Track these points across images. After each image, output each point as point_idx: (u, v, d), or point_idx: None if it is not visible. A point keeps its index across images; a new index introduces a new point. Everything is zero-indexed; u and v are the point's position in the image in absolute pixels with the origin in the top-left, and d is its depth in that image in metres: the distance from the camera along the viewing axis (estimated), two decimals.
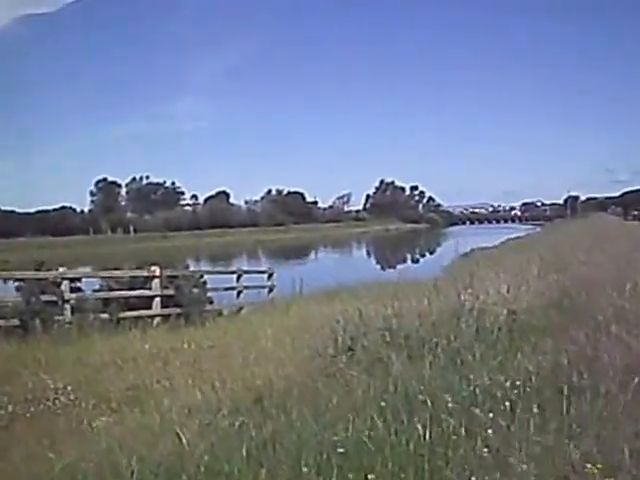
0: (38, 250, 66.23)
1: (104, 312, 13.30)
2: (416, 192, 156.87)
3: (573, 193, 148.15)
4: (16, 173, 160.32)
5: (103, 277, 14.87)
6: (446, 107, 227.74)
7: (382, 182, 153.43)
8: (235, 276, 18.21)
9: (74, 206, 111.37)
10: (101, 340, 11.88)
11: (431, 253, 66.61)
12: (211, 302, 16.38)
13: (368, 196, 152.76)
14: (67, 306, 12.91)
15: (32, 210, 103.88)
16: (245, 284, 18.20)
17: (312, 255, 71.70)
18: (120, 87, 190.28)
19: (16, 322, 12.23)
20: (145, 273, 14.47)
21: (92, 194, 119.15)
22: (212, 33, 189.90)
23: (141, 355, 10.35)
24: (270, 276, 19.60)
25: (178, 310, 14.67)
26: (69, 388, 8.20)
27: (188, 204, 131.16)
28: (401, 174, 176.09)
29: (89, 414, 7.10)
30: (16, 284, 12.64)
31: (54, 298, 12.68)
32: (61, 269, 13.09)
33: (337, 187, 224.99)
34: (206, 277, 16.59)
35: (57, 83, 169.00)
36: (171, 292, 14.71)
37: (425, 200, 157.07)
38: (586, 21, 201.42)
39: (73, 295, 13.12)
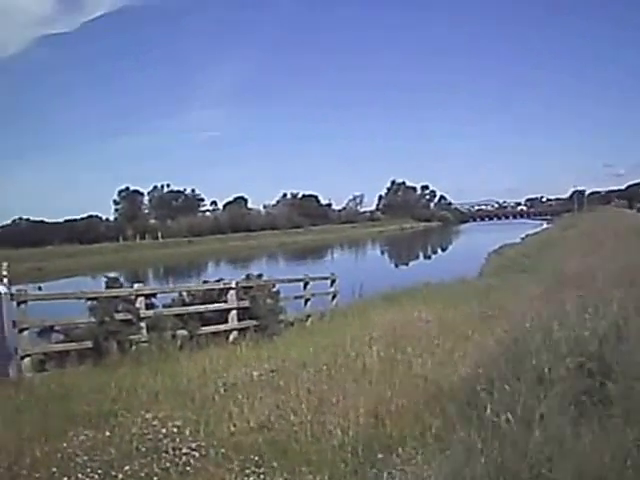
0: (68, 258, 65.16)
1: (182, 328, 11.68)
2: (427, 191, 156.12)
3: (579, 188, 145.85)
4: (42, 186, 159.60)
5: (180, 290, 13.22)
6: (448, 107, 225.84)
7: (393, 183, 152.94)
8: (302, 284, 16.51)
9: (100, 214, 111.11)
10: (188, 360, 10.29)
11: (455, 250, 64.67)
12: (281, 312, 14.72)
13: (380, 197, 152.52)
14: (143, 324, 11.27)
15: (60, 220, 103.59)
16: (312, 292, 16.55)
17: (339, 255, 69.94)
18: (136, 100, 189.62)
19: (89, 344, 10.63)
20: (221, 285, 12.86)
21: (116, 203, 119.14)
22: (221, 44, 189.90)
23: (244, 379, 8.71)
24: (333, 282, 17.91)
25: (254, 322, 13.05)
26: (185, 430, 6.55)
27: (208, 210, 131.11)
28: (406, 174, 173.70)
29: (231, 474, 5.45)
30: (88, 304, 10.98)
31: (129, 316, 11.04)
32: (136, 285, 11.49)
33: (349, 189, 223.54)
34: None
35: (77, 98, 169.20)
36: (246, 304, 13.08)
37: (436, 199, 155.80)
38: (588, 15, 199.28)
39: (149, 312, 11.48)
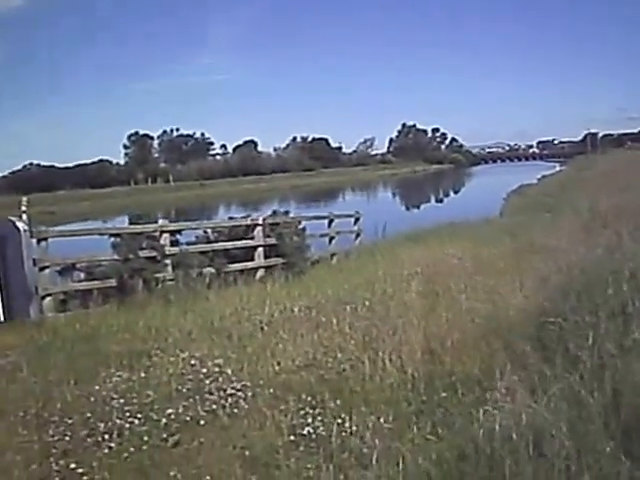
0: (81, 202, 64.71)
1: (209, 266, 11.16)
2: (438, 134, 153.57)
3: (592, 130, 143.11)
4: (52, 131, 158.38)
5: (205, 227, 12.63)
6: (460, 49, 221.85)
7: (404, 126, 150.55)
8: (327, 221, 15.89)
9: (110, 159, 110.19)
10: (217, 298, 9.79)
11: (470, 191, 63.74)
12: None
13: (391, 140, 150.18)
14: (168, 261, 10.74)
15: (71, 164, 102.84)
16: (337, 230, 15.95)
17: (353, 197, 69.06)
18: (145, 44, 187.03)
19: (113, 282, 10.12)
20: (247, 222, 12.29)
21: (125, 147, 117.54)
22: None
23: (281, 316, 8.20)
24: (357, 220, 17.27)
25: (281, 260, 12.52)
26: (226, 369, 6.05)
27: (218, 153, 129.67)
28: (418, 117, 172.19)
29: (285, 416, 4.95)
30: (111, 240, 10.43)
31: (154, 254, 10.50)
32: (160, 221, 10.90)
33: (360, 132, 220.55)
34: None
35: (82, 46, 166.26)
36: (273, 241, 12.52)
37: (447, 141, 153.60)
38: None
39: (174, 249, 10.93)
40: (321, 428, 4.64)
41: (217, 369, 6.06)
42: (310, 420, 4.79)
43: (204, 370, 6.02)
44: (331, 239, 15.53)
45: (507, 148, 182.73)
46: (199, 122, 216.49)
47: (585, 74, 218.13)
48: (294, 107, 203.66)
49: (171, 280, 10.54)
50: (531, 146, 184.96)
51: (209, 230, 12.54)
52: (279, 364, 6.24)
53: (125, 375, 6.08)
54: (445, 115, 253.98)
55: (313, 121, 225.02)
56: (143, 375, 6.07)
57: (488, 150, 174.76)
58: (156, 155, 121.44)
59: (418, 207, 49.65)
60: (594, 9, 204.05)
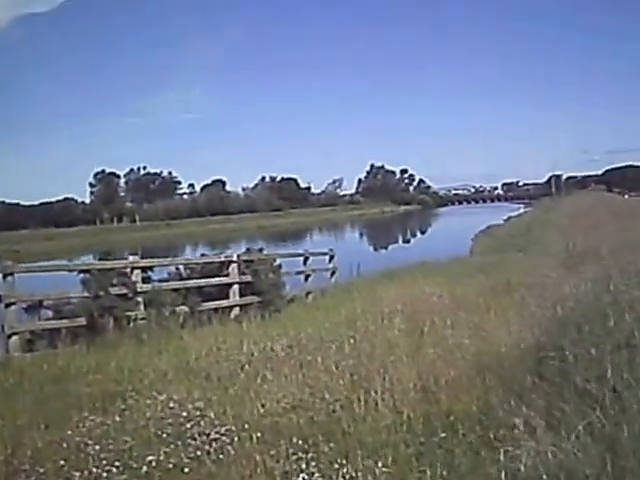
0: (46, 241, 63.51)
1: (182, 304, 10.76)
2: (406, 175, 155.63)
3: (557, 172, 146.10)
4: (18, 167, 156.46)
5: (178, 264, 12.21)
6: (426, 92, 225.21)
7: (372, 166, 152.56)
8: (302, 259, 15.59)
9: (75, 197, 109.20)
10: (192, 338, 9.37)
11: (439, 232, 64.11)
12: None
13: (360, 180, 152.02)
14: (140, 299, 10.32)
15: (36, 203, 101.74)
16: (313, 267, 15.65)
17: (322, 238, 68.92)
18: (113, 81, 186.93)
19: (82, 321, 9.65)
20: (221, 258, 11.93)
21: (91, 185, 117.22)
22: (197, 26, 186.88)
23: (261, 356, 7.83)
24: (331, 258, 17.01)
25: (257, 298, 12.17)
26: (208, 412, 5.65)
27: (185, 193, 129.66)
28: (387, 158, 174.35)
29: (277, 461, 4.57)
30: (80, 277, 9.99)
31: (125, 291, 10.08)
32: (131, 257, 10.48)
33: (328, 173, 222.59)
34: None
35: (53, 80, 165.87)
36: (249, 278, 12.17)
37: (415, 182, 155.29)
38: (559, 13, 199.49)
39: (146, 286, 10.52)
40: (317, 474, 4.29)
41: (198, 412, 5.67)
42: (304, 466, 4.42)
43: (184, 413, 5.62)
44: (307, 277, 15.23)
45: (473, 190, 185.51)
46: (167, 161, 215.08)
47: (549, 118, 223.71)
48: (263, 147, 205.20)
49: (143, 319, 10.13)
50: (496, 188, 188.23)
51: (181, 267, 12.13)
52: (264, 406, 5.86)
53: (99, 419, 5.64)
54: (413, 156, 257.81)
55: (282, 161, 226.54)
56: (118, 419, 5.65)
57: (454, 192, 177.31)
58: (122, 194, 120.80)
59: (386, 248, 49.68)
60: (556, 54, 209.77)
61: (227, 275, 11.86)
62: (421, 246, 43.80)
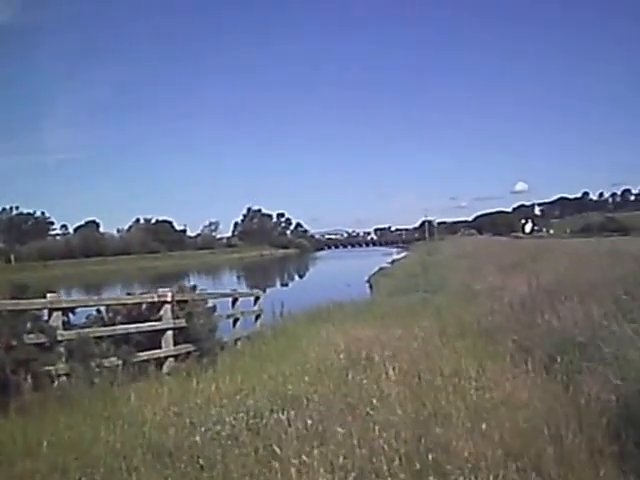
0: None
1: (113, 355, 8.62)
2: (283, 219, 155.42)
3: (429, 218, 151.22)
4: None
5: (107, 304, 9.88)
6: (302, 141, 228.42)
7: (249, 210, 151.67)
8: (230, 300, 13.60)
9: None
10: (133, 399, 7.29)
11: (324, 274, 63.16)
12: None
13: (236, 224, 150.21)
14: (61, 349, 8.09)
15: None
16: (241, 310, 13.70)
17: (205, 281, 65.98)
18: None
19: None
20: (154, 298, 9.82)
21: None
22: (82, 65, 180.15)
23: (226, 425, 5.96)
24: (257, 300, 15.15)
25: (190, 347, 10.21)
26: None
27: (58, 234, 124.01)
28: (261, 201, 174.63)
29: None
30: None
31: (43, 339, 7.84)
32: (49, 295, 8.19)
33: (203, 215, 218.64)
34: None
35: None
36: (183, 323, 10.17)
37: (292, 227, 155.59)
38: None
39: (69, 332, 8.27)
40: None
41: None
42: None
43: None
44: (235, 320, 13.28)
45: (345, 235, 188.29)
46: (39, 201, 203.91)
47: (419, 165, 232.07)
48: (136, 188, 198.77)
49: (66, 374, 7.92)
50: (369, 233, 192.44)
51: (102, 309, 9.88)
52: None
53: None
54: (287, 201, 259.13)
55: (156, 203, 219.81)
56: None
57: (328, 236, 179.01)
58: None
59: (282, 289, 48.06)
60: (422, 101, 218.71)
61: (159, 319, 9.79)
62: (317, 288, 42.50)
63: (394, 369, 8.12)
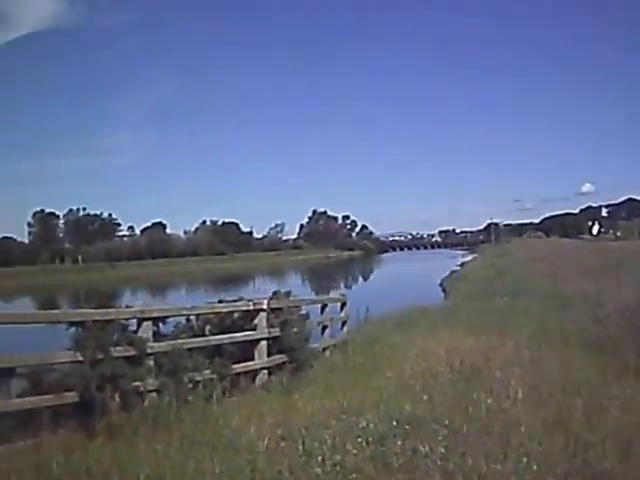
0: None
1: (207, 368, 7.80)
2: (348, 221, 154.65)
3: (495, 220, 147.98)
4: None
5: (196, 313, 9.05)
6: (368, 143, 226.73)
7: (315, 212, 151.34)
8: (319, 306, 12.66)
9: (14, 236, 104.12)
10: (235, 420, 6.42)
11: (395, 278, 61.76)
12: None
13: (302, 226, 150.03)
14: (151, 363, 7.30)
15: None
16: (330, 316, 12.75)
17: (275, 282, 65.56)
18: (54, 121, 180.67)
19: (72, 397, 6.52)
20: (250, 306, 8.97)
21: (30, 225, 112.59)
22: (151, 67, 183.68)
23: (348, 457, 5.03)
24: (343, 306, 14.16)
25: (284, 358, 9.33)
26: None
27: (125, 235, 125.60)
28: (326, 203, 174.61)
29: None
30: (71, 333, 6.86)
31: (132, 352, 7.04)
32: (139, 304, 7.39)
33: (269, 217, 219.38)
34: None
35: None
36: (277, 332, 9.30)
37: (357, 228, 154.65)
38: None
39: (160, 344, 7.47)
40: None
41: None
42: None
43: None
44: (324, 328, 12.36)
45: (410, 237, 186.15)
46: (106, 202, 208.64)
47: (483, 169, 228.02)
48: (203, 190, 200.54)
49: (156, 391, 7.11)
50: (433, 235, 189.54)
51: (192, 317, 9.08)
52: None
53: None
54: (351, 203, 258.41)
55: (222, 204, 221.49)
56: None
57: (392, 238, 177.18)
58: (61, 234, 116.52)
59: (353, 292, 47.05)
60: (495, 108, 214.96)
61: (254, 328, 8.94)
62: (390, 292, 41.39)
63: (514, 385, 7.20)
